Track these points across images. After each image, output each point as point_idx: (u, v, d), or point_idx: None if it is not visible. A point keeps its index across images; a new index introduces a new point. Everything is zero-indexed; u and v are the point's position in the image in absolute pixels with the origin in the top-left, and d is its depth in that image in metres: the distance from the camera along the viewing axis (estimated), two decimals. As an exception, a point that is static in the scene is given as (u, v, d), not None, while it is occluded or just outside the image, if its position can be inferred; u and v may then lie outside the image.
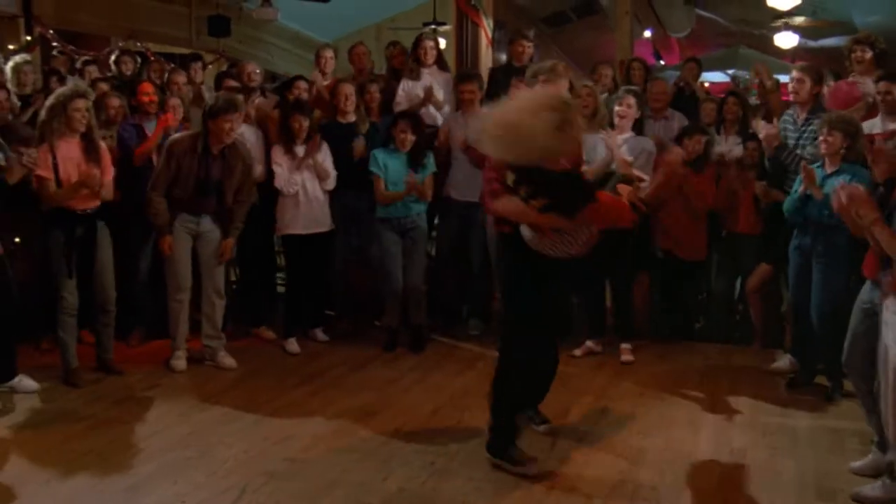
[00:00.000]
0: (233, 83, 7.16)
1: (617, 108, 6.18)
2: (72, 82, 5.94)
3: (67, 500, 4.03)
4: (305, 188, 6.55)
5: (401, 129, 6.48)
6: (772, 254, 6.32)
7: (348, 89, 6.85)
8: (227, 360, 6.13)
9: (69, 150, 5.65)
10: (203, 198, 5.93)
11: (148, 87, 6.77)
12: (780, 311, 6.73)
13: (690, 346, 6.85)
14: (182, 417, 5.19)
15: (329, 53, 7.64)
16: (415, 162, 6.52)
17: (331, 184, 6.63)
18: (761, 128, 6.02)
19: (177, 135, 6.10)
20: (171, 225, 5.96)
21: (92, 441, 4.77)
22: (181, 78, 7.37)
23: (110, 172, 5.86)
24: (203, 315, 6.21)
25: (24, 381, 5.61)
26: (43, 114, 5.66)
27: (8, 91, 6.60)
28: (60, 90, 5.74)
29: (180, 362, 6.10)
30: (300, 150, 6.51)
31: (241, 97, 6.21)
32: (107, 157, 5.86)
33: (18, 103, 6.90)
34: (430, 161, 6.65)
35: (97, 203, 5.77)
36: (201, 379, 5.95)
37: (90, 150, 5.72)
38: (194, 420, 5.13)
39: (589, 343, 6.48)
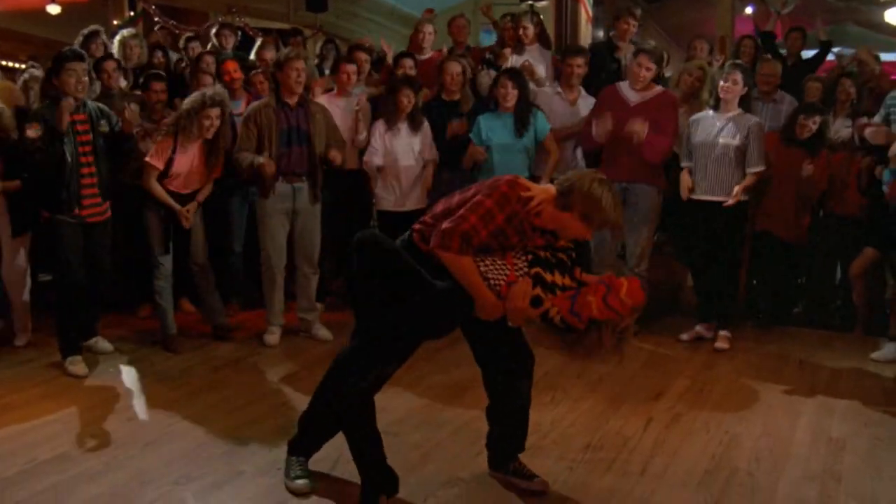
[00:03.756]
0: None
1: (721, 83, 5.98)
2: (215, 88, 5.95)
3: (165, 465, 4.11)
4: (398, 164, 6.50)
5: (502, 85, 6.24)
6: (877, 237, 6.12)
7: (455, 68, 6.70)
8: (322, 332, 6.19)
9: (190, 149, 5.76)
10: (291, 149, 5.87)
11: (231, 66, 6.76)
12: (885, 297, 6.51)
13: (788, 331, 6.69)
14: (277, 387, 5.28)
15: (429, 28, 7.63)
16: (521, 123, 6.26)
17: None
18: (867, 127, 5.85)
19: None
20: (268, 193, 5.92)
21: (189, 407, 4.88)
22: (269, 54, 7.37)
23: (218, 173, 5.99)
24: (297, 288, 6.27)
25: (101, 343, 5.88)
26: (181, 109, 5.74)
27: (117, 62, 6.70)
28: (200, 93, 5.74)
29: (273, 337, 6.16)
30: (403, 126, 6.47)
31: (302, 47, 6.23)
32: (221, 163, 5.93)
33: (123, 80, 7.03)
34: (541, 119, 6.35)
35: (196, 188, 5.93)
36: (296, 350, 6.04)
37: (211, 153, 5.81)
38: (289, 390, 5.20)
39: (699, 328, 6.34)
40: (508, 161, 6.23)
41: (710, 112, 6.04)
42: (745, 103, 6.04)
